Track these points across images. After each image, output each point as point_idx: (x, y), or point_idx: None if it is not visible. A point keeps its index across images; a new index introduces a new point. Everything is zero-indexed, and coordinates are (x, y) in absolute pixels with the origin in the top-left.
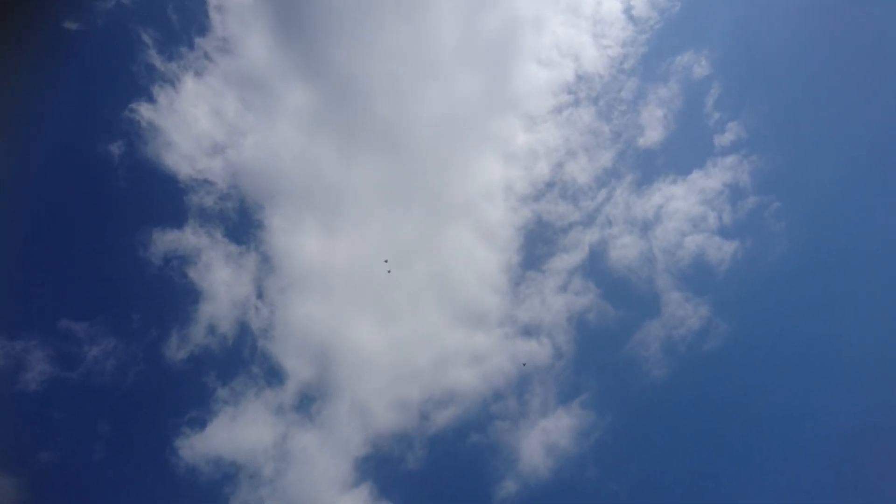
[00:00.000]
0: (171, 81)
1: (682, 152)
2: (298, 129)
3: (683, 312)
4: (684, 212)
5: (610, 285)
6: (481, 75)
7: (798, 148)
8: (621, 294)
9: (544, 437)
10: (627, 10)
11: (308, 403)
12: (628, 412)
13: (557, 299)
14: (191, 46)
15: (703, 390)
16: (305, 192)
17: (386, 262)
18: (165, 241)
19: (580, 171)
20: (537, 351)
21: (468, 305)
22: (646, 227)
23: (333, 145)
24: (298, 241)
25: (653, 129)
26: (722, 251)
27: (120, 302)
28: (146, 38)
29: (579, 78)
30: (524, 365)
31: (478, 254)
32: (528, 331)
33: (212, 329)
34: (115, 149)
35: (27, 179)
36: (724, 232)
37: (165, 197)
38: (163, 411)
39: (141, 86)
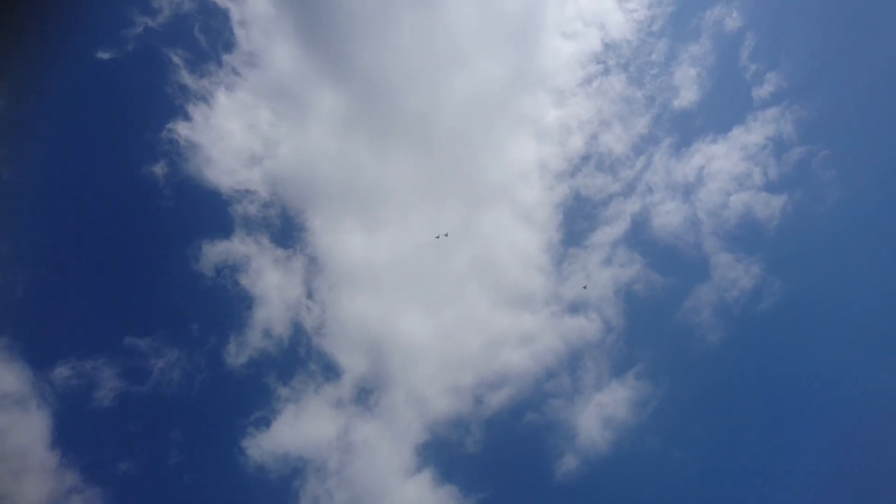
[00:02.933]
0: (205, 98)
1: (720, 110)
2: (331, 132)
3: (734, 274)
4: (727, 171)
5: (656, 254)
6: (506, 56)
7: (843, 92)
8: (668, 261)
9: (600, 411)
10: None
11: (365, 395)
12: (685, 380)
13: (603, 273)
14: (219, 63)
15: (762, 352)
16: (344, 192)
17: (446, 235)
18: (215, 252)
19: (616, 141)
20: (586, 327)
21: (513, 288)
22: (688, 191)
23: (367, 144)
24: (342, 239)
25: (687, 89)
26: (770, 207)
27: (178, 314)
28: (176, 59)
29: (607, 46)
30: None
31: (518, 236)
32: (576, 307)
33: (267, 332)
34: (159, 169)
35: (79, 206)
36: (770, 187)
37: (211, 210)
38: (229, 415)
39: (176, 105)
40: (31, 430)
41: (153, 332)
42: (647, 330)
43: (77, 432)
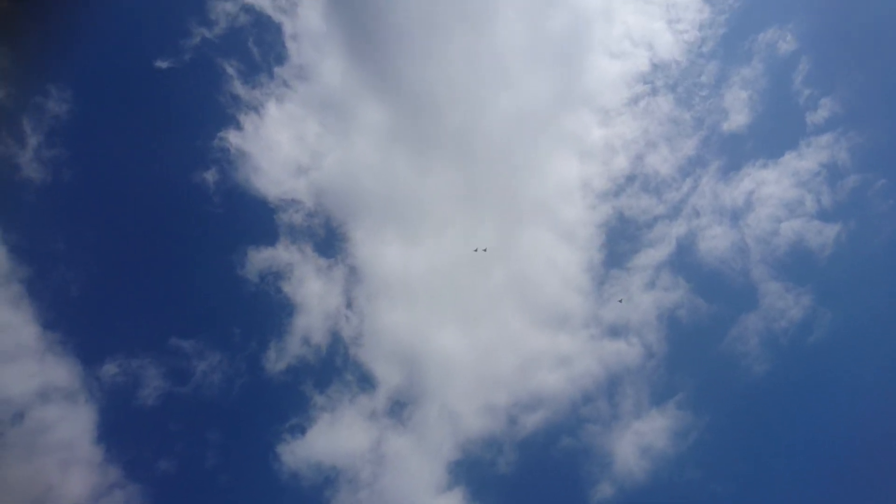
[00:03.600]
0: (256, 109)
1: (772, 134)
2: (375, 145)
3: (784, 304)
4: (778, 196)
5: (701, 279)
6: (552, 74)
7: None
8: (714, 287)
9: (638, 439)
10: None
11: (399, 409)
12: (728, 411)
13: (645, 297)
14: (271, 75)
15: (810, 385)
16: (385, 204)
17: (484, 251)
18: (260, 258)
19: (662, 162)
20: (626, 351)
21: (551, 307)
22: (736, 216)
23: (409, 158)
24: (382, 251)
25: (738, 112)
26: (823, 236)
27: (222, 318)
28: (230, 70)
29: (655, 66)
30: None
31: (558, 254)
32: (616, 331)
33: (306, 340)
34: (209, 176)
35: (133, 210)
36: (823, 215)
37: (257, 218)
38: (266, 420)
39: (228, 115)
40: (78, 424)
41: (197, 334)
42: (690, 358)
43: (121, 429)
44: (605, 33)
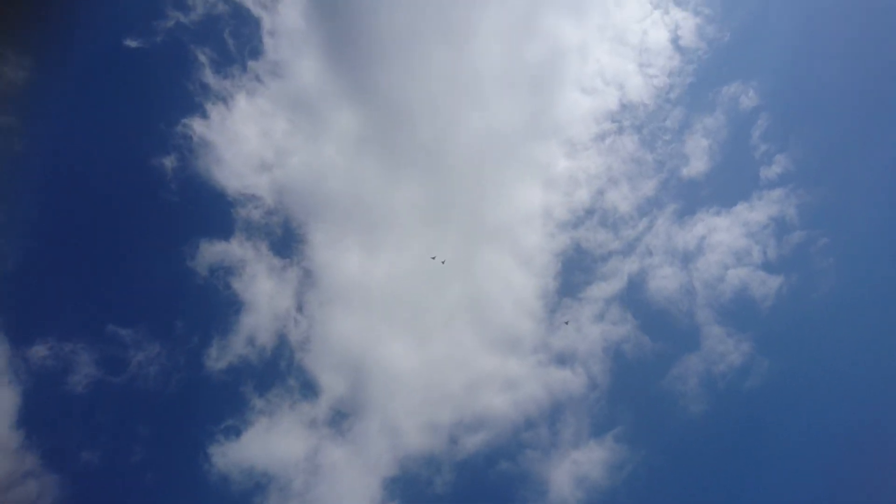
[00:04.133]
0: (224, 100)
1: (727, 184)
2: (343, 150)
3: (724, 348)
4: (727, 244)
5: (648, 316)
6: (524, 101)
7: (847, 182)
8: (660, 326)
9: (575, 469)
10: (675, 40)
11: (340, 419)
12: (664, 447)
13: (593, 328)
14: (244, 68)
15: (743, 428)
16: (348, 210)
17: (443, 262)
18: (212, 252)
19: (622, 200)
20: (571, 380)
21: (503, 330)
22: (687, 259)
23: (377, 166)
24: (339, 257)
25: (697, 159)
26: (766, 286)
27: (165, 309)
28: (202, 58)
29: (623, 106)
30: (566, 323)
31: (514, 278)
32: (563, 359)
33: (251, 340)
34: (168, 162)
35: (84, 188)
36: (768, 266)
37: (214, 210)
38: (200, 418)
39: (195, 103)
40: None
41: (137, 323)
42: (631, 392)
43: (44, 415)
44: (579, 69)
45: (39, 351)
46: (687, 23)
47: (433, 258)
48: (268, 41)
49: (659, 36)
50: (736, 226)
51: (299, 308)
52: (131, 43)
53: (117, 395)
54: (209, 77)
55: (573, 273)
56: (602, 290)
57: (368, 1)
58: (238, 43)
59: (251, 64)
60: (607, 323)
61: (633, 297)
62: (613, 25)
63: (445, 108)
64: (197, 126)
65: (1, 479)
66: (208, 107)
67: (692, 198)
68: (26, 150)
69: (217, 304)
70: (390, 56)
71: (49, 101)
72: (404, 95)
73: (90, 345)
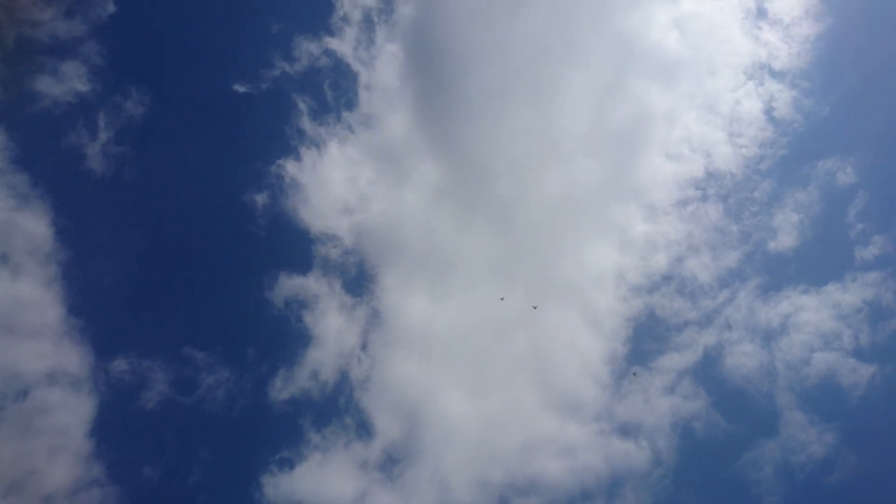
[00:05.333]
0: (318, 146)
1: (818, 262)
2: (422, 199)
3: (806, 437)
4: (815, 325)
5: (723, 394)
6: (605, 162)
7: None
8: (735, 406)
9: None
10: (769, 111)
11: (391, 464)
12: None
13: (663, 401)
14: (339, 118)
15: None
16: (420, 257)
17: (534, 308)
18: (290, 285)
19: (702, 269)
20: (634, 453)
21: (564, 392)
22: (769, 337)
23: (452, 217)
24: (407, 301)
25: (786, 233)
26: (857, 374)
27: (240, 336)
28: (302, 106)
29: (709, 174)
30: (634, 374)
31: (581, 340)
32: (627, 430)
33: (315, 374)
34: (260, 198)
35: (182, 215)
36: (860, 353)
37: (296, 246)
38: (258, 447)
39: (291, 146)
40: (77, 413)
41: (212, 347)
42: (699, 473)
43: (116, 427)
44: (665, 134)
45: (120, 364)
46: (782, 95)
47: (502, 299)
48: (363, 94)
49: (752, 106)
50: (825, 307)
51: (363, 347)
52: (240, 88)
53: (184, 416)
54: (306, 124)
55: (645, 340)
56: (675, 361)
57: (459, 61)
58: (336, 94)
59: (345, 114)
60: (678, 397)
61: (708, 372)
62: (704, 93)
63: (525, 164)
64: (290, 167)
65: (69, 484)
66: (302, 151)
67: (779, 273)
68: (136, 178)
69: (287, 336)
70: (476, 113)
71: (163, 133)
72: (486, 150)
73: (166, 364)
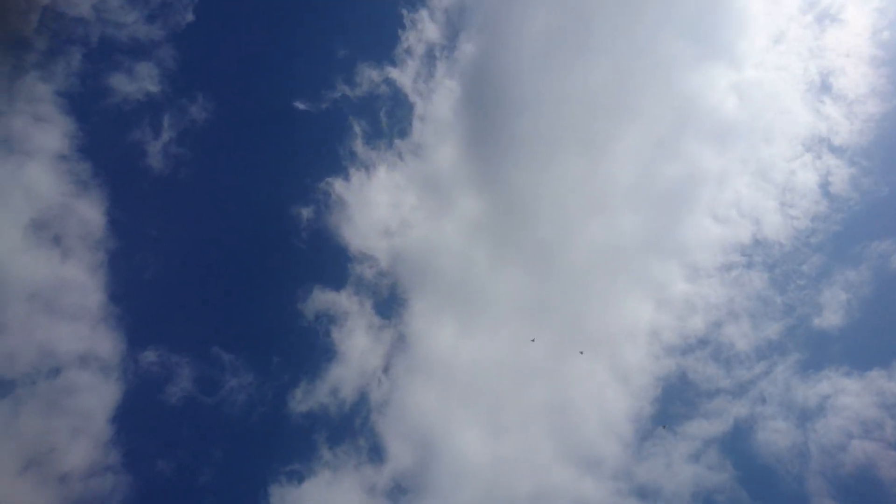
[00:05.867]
0: (367, 168)
1: (864, 345)
2: (461, 232)
3: None
4: (856, 411)
5: (751, 469)
6: (650, 218)
7: None
8: (763, 483)
9: None
10: (824, 185)
11: (399, 493)
12: None
13: (686, 468)
14: (390, 144)
15: None
16: (453, 289)
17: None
18: (322, 299)
19: (740, 337)
20: None
21: (584, 446)
22: (805, 417)
23: (489, 254)
24: (434, 330)
25: (833, 311)
26: None
27: (267, 343)
28: (357, 129)
29: (756, 242)
30: (664, 427)
31: (607, 394)
32: (645, 493)
33: (335, 391)
34: (305, 212)
35: (228, 219)
36: None
37: (333, 262)
38: (270, 455)
39: (341, 166)
40: (102, 398)
41: (239, 351)
42: None
43: (137, 416)
44: (714, 196)
45: (150, 356)
46: (840, 171)
47: (533, 340)
48: (416, 124)
49: (807, 178)
50: (868, 393)
51: (386, 369)
52: (300, 105)
53: (204, 415)
54: (359, 146)
55: (673, 403)
56: (703, 428)
57: (514, 103)
58: (390, 121)
59: (397, 141)
60: (702, 466)
61: (737, 445)
62: (758, 160)
63: (568, 211)
64: (338, 186)
65: (85, 467)
66: (351, 171)
67: (821, 352)
68: (191, 179)
69: (314, 349)
70: (525, 155)
71: (222, 140)
72: (531, 193)
73: (194, 361)
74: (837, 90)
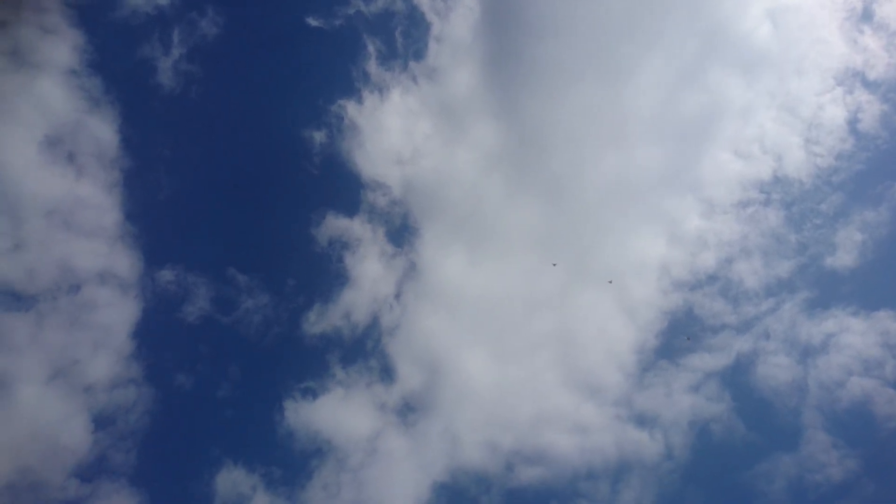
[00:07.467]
0: (381, 91)
1: (874, 286)
2: (475, 161)
3: (826, 458)
4: (858, 350)
5: (748, 401)
6: (668, 151)
7: None
8: (759, 415)
9: None
10: (853, 122)
11: (407, 411)
12: None
13: (685, 398)
14: (405, 66)
15: None
16: (464, 218)
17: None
18: (335, 225)
19: (750, 273)
20: (646, 444)
21: (586, 373)
22: (807, 353)
23: (502, 184)
24: (445, 259)
25: (847, 251)
26: (893, 406)
27: (282, 266)
28: (371, 48)
29: (777, 179)
30: (688, 339)
31: (613, 325)
32: (643, 420)
33: (348, 314)
34: (318, 136)
35: (241, 141)
36: None
37: (346, 188)
38: (285, 373)
39: (354, 87)
40: (122, 314)
41: (255, 272)
42: (709, 474)
43: (156, 333)
44: (737, 130)
45: (167, 275)
46: (871, 107)
47: (554, 265)
48: (433, 46)
49: (835, 114)
50: (872, 332)
51: (397, 296)
52: (312, 21)
53: (221, 333)
54: (372, 67)
55: (677, 336)
56: (705, 361)
57: (535, 27)
58: (406, 42)
59: (412, 63)
60: (701, 397)
61: (737, 378)
62: (786, 93)
63: (585, 142)
64: (351, 109)
65: (109, 379)
66: (365, 94)
67: (830, 291)
68: (203, 98)
69: (327, 274)
70: (543, 83)
71: (233, 56)
72: (547, 122)
73: (210, 281)
74: (880, 19)
